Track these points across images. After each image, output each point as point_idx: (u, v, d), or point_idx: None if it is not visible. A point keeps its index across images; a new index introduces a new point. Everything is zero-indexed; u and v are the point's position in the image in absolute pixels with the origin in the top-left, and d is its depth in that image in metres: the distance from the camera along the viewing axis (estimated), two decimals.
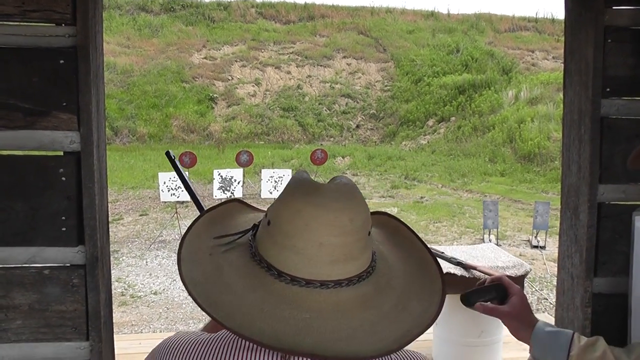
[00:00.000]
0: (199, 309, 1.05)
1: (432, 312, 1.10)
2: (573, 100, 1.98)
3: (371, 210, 1.15)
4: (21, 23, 1.63)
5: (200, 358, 1.07)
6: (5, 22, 1.63)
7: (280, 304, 1.03)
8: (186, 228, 1.19)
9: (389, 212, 1.33)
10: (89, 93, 1.64)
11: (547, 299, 7.90)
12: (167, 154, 1.68)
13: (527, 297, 8.11)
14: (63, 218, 1.68)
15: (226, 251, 1.13)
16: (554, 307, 2.15)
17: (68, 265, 1.71)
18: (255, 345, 1.05)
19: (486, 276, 4.31)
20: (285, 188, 1.12)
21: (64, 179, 1.67)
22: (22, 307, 1.70)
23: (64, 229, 1.68)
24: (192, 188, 1.54)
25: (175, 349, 1.10)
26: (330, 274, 1.05)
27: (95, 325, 1.70)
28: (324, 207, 1.04)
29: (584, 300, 1.90)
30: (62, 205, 1.68)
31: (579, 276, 1.92)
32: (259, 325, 1.00)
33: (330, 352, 0.98)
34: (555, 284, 1.99)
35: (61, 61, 1.63)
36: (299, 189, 1.09)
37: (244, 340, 1.06)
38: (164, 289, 8.67)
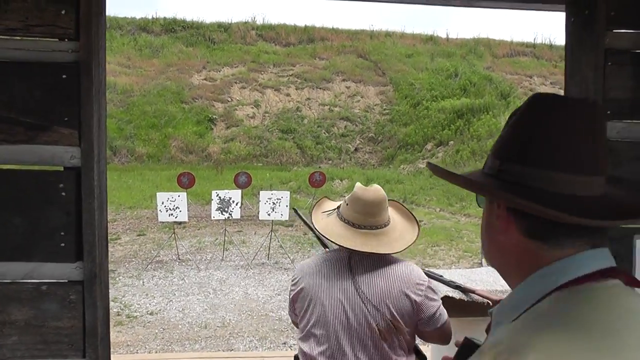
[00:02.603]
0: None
1: (414, 237, 2.70)
2: None
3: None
4: (24, 37, 1.64)
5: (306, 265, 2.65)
6: (8, 37, 1.63)
7: (351, 235, 2.53)
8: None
9: (395, 199, 3.10)
10: (91, 108, 1.64)
11: None
12: (295, 210, 3.27)
13: None
14: (62, 233, 1.67)
15: (328, 215, 2.69)
16: None
17: (66, 281, 1.70)
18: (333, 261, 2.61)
19: (484, 300, 4.28)
20: (352, 192, 2.64)
21: (63, 194, 1.66)
22: (19, 322, 1.68)
23: (62, 244, 1.67)
24: (318, 234, 2.79)
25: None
26: (372, 223, 2.56)
27: (92, 342, 1.68)
28: (369, 192, 2.58)
29: None
30: (62, 220, 1.67)
31: None
32: (342, 241, 2.51)
33: (371, 250, 2.48)
34: None
35: (64, 76, 1.64)
36: (356, 189, 2.62)
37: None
38: (160, 310, 8.61)
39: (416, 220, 2.77)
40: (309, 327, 2.48)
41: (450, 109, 27.69)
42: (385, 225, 2.57)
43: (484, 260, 10.46)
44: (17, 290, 1.68)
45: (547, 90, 29.95)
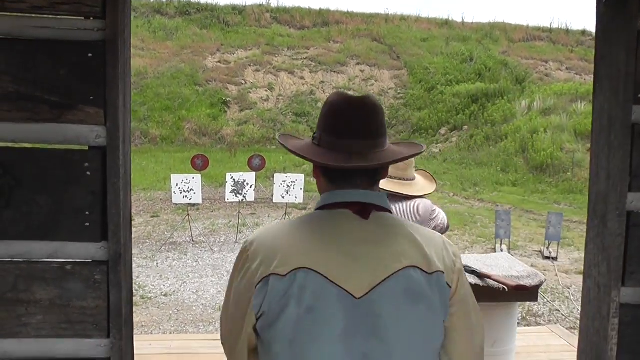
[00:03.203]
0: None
1: (431, 190, 3.77)
2: (603, 106, 1.94)
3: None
4: (50, 16, 1.62)
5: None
6: (34, 15, 1.61)
7: (386, 183, 3.24)
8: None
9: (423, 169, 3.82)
10: (117, 87, 1.62)
11: (559, 311, 7.83)
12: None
13: (540, 309, 7.96)
14: (87, 213, 1.65)
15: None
16: (579, 317, 2.11)
17: (90, 261, 1.69)
18: None
19: (500, 285, 4.28)
20: None
21: (88, 173, 1.65)
22: (43, 302, 1.68)
23: (87, 224, 1.66)
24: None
25: None
26: (401, 175, 3.71)
27: (116, 322, 1.68)
28: None
29: (611, 310, 1.86)
30: (87, 200, 1.65)
31: (606, 285, 1.88)
32: (381, 186, 1.99)
33: (398, 190, 3.62)
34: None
35: (89, 55, 1.61)
36: None
37: None
38: (174, 291, 8.66)
39: (435, 182, 4.05)
40: None
41: (465, 93, 27.53)
42: (412, 180, 3.80)
43: (497, 245, 10.44)
44: (41, 270, 1.67)
45: (564, 75, 29.74)
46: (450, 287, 1.63)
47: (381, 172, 1.72)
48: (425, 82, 29.93)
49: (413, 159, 3.42)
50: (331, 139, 1.67)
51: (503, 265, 4.78)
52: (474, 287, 4.33)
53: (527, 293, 4.46)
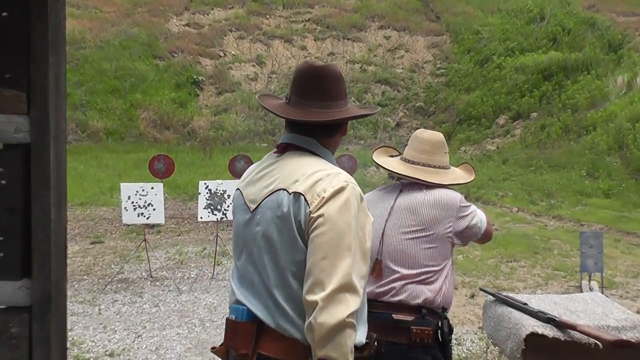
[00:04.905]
0: None
1: (466, 181, 4.20)
2: None
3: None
4: None
5: None
6: None
7: (403, 167, 4.09)
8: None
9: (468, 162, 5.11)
10: (46, 62, 1.61)
11: None
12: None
13: None
14: (1, 239, 1.64)
15: (392, 157, 4.34)
16: None
17: (4, 307, 1.67)
18: None
19: (591, 339, 4.22)
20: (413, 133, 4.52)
21: (4, 182, 1.63)
22: None
23: (1, 254, 1.65)
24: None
25: None
26: (425, 160, 4.09)
27: None
28: (426, 132, 4.31)
29: None
30: (1, 220, 1.64)
31: None
32: (392, 169, 4.14)
33: (413, 175, 4.01)
34: None
35: (4, 14, 1.60)
36: (416, 131, 4.38)
37: None
38: (124, 349, 8.63)
39: (475, 173, 4.36)
40: None
41: (533, 67, 27.57)
42: (440, 168, 4.08)
43: (584, 282, 10.35)
44: None
45: None
46: (309, 205, 2.75)
47: (324, 126, 2.99)
48: (476, 52, 30.04)
49: (444, 145, 4.16)
50: (294, 98, 2.99)
51: (595, 311, 4.76)
52: (552, 340, 4.33)
53: (632, 351, 4.42)
